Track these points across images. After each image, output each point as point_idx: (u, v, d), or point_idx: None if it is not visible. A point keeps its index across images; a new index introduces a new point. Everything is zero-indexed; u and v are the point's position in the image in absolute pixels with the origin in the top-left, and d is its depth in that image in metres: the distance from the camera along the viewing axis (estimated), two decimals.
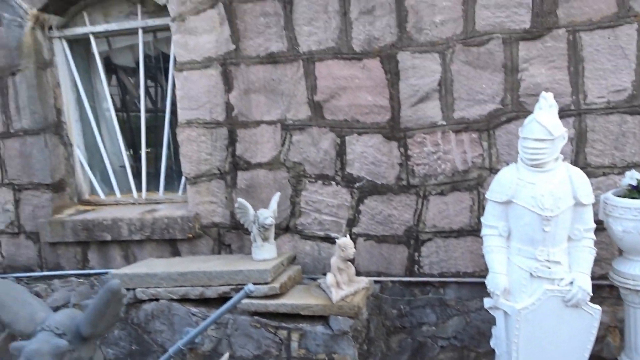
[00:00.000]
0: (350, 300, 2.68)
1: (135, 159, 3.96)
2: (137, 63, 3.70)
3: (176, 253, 3.50)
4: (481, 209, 2.92)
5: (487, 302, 2.46)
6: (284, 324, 2.71)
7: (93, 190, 3.92)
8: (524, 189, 2.32)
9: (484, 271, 2.57)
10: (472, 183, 2.98)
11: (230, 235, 3.40)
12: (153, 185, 3.81)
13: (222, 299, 2.73)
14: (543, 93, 2.37)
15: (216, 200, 3.38)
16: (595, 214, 2.45)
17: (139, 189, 3.81)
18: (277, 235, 3.17)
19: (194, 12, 3.24)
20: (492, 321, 2.54)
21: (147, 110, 3.75)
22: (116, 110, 3.87)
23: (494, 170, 2.87)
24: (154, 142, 3.86)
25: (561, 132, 2.30)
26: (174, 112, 3.54)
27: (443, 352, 3.06)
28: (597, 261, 2.52)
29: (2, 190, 3.76)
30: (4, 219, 3.79)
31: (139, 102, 3.72)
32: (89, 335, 1.75)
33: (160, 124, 3.75)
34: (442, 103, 2.96)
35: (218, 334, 2.79)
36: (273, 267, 2.82)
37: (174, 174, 3.78)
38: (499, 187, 2.41)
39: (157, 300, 2.91)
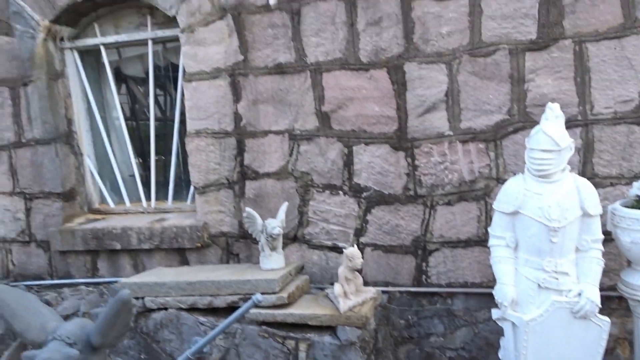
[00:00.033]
0: (357, 311, 2.69)
1: (145, 167, 4.00)
2: (147, 73, 3.75)
3: (185, 262, 3.52)
4: (488, 219, 2.92)
5: (495, 313, 2.46)
6: (291, 334, 2.71)
7: (103, 199, 3.96)
8: (531, 200, 2.33)
9: (491, 282, 2.57)
10: (479, 193, 2.99)
11: (238, 245, 3.42)
12: (162, 194, 3.84)
13: (231, 308, 2.74)
14: (549, 104, 2.38)
15: (224, 209, 3.41)
16: (603, 225, 2.45)
17: (148, 198, 3.85)
18: (285, 245, 3.19)
19: (203, 23, 3.29)
20: (500, 332, 2.53)
21: (156, 119, 3.79)
22: (125, 119, 3.93)
23: (501, 181, 2.88)
24: (163, 150, 3.90)
25: (568, 143, 2.31)
26: (182, 121, 3.58)
27: None
28: (606, 272, 2.51)
29: (14, 199, 3.81)
30: (15, 227, 3.84)
31: (148, 111, 3.77)
32: (99, 345, 1.77)
33: (169, 132, 3.80)
34: (449, 113, 2.98)
35: (226, 343, 2.81)
36: (281, 276, 2.83)
37: (183, 183, 3.81)
38: (505, 197, 2.42)
39: (165, 309, 2.93)
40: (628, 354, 2.81)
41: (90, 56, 3.88)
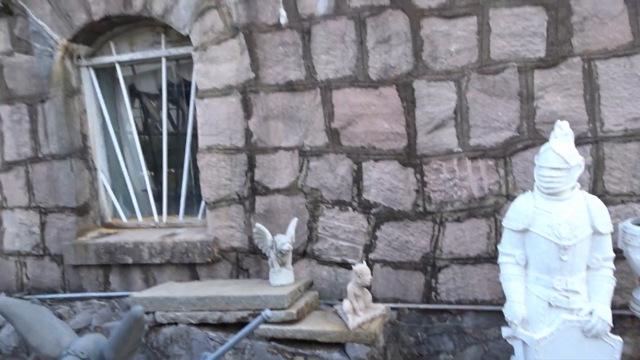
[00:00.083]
0: (366, 327, 2.69)
1: (157, 181, 4.06)
2: (160, 89, 3.83)
3: (195, 277, 3.55)
4: (498, 236, 2.91)
5: (505, 332, 2.45)
6: (300, 350, 2.71)
7: (116, 214, 4.02)
8: (541, 217, 2.33)
9: (502, 299, 2.56)
10: (488, 210, 2.99)
11: (248, 260, 3.45)
12: (173, 208, 3.89)
13: (240, 324, 2.76)
14: (558, 122, 2.39)
15: (235, 225, 3.44)
16: (615, 243, 2.43)
17: (159, 212, 3.90)
18: (294, 261, 3.21)
19: (215, 42, 3.36)
20: (510, 351, 2.52)
21: (168, 134, 3.86)
22: (138, 132, 4.00)
23: (510, 197, 2.88)
24: (175, 164, 3.96)
25: (578, 161, 2.31)
26: (194, 136, 3.64)
27: None
28: (618, 290, 2.50)
29: (30, 213, 3.89)
30: (30, 241, 3.91)
31: (161, 125, 3.84)
32: None
33: (181, 146, 3.86)
34: (458, 130, 2.99)
35: (235, 359, 2.81)
36: (290, 292, 2.85)
37: (194, 197, 3.86)
38: (515, 215, 2.42)
39: (176, 324, 2.95)
40: None
41: (105, 73, 3.97)
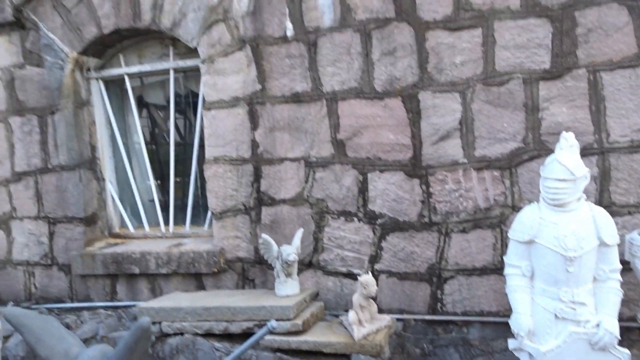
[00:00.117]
0: (372, 339, 2.68)
1: (164, 192, 4.09)
2: (168, 100, 3.88)
3: (201, 287, 3.56)
4: (504, 247, 2.91)
5: (511, 343, 2.43)
6: None
7: (123, 224, 4.05)
8: (546, 229, 2.32)
9: (508, 310, 2.55)
10: (494, 221, 2.98)
11: (254, 270, 3.46)
12: (180, 218, 3.92)
13: (246, 334, 2.77)
14: (564, 133, 2.39)
15: (241, 235, 3.46)
16: (621, 254, 2.42)
17: (166, 222, 3.93)
18: (300, 271, 3.21)
19: (222, 54, 3.40)
20: None
21: (175, 144, 3.90)
22: (146, 143, 4.04)
23: (516, 208, 2.87)
24: (182, 173, 4.00)
25: (583, 172, 2.30)
26: (201, 146, 3.67)
27: None
28: (625, 302, 2.48)
29: (38, 223, 3.93)
30: (38, 251, 3.95)
31: (169, 136, 3.88)
32: None
33: (188, 157, 3.89)
34: (463, 141, 3.00)
35: None
36: (296, 303, 2.85)
37: (201, 207, 3.88)
38: (521, 226, 2.42)
39: (182, 334, 2.96)
40: None
41: (114, 85, 4.03)
